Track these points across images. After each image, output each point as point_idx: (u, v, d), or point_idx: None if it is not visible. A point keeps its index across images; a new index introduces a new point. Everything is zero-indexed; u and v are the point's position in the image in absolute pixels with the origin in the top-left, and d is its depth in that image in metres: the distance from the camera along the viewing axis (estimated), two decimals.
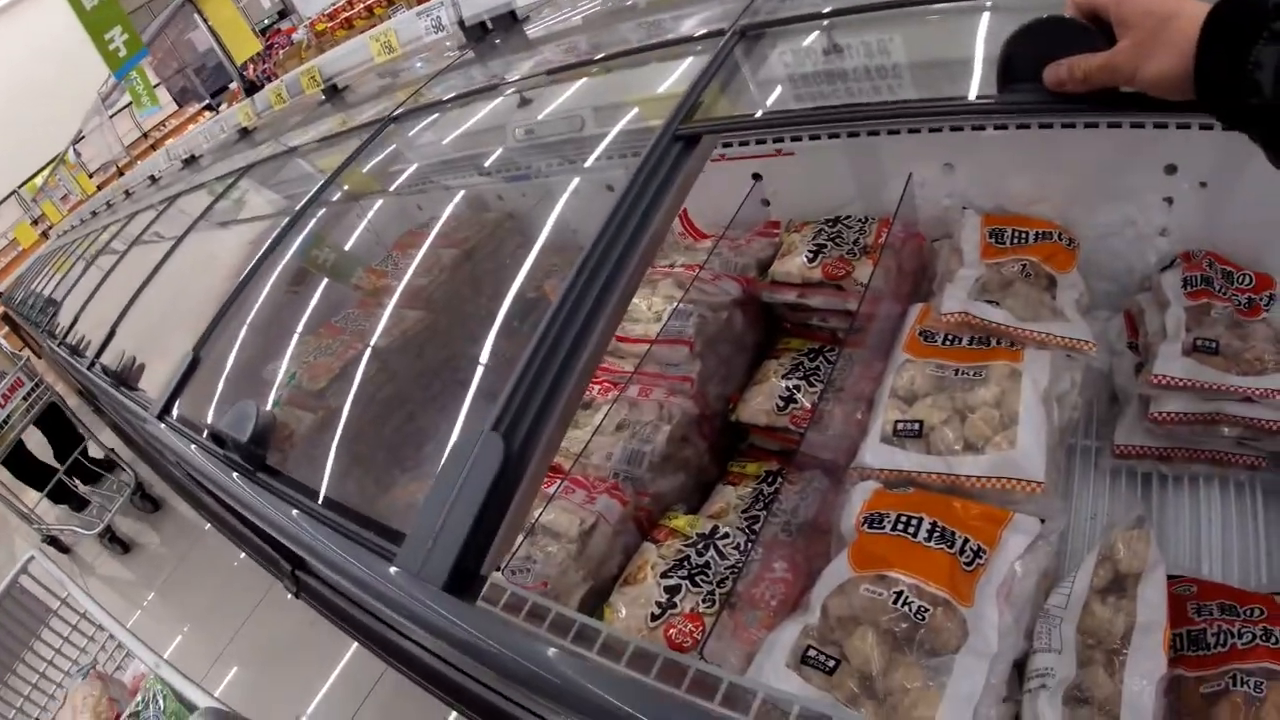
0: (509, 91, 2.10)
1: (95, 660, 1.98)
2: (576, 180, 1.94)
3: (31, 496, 4.64)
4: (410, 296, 2.11)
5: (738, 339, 1.63)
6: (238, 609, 3.15)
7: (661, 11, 2.16)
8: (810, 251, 1.59)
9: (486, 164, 2.18)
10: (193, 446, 1.42)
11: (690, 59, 1.66)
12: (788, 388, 1.50)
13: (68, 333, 3.41)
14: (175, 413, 1.62)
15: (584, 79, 2.00)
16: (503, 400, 0.93)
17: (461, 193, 2.36)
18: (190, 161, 4.54)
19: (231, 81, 11.41)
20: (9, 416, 4.18)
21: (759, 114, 1.22)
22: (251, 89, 3.60)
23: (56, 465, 4.73)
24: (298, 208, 2.18)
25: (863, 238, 1.59)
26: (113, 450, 4.58)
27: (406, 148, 2.31)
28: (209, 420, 1.51)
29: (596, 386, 1.61)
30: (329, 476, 1.23)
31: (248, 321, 1.91)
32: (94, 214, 7.01)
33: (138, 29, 3.78)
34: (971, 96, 0.90)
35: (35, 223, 12.09)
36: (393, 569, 0.88)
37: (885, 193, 1.60)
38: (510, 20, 2.41)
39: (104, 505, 4.48)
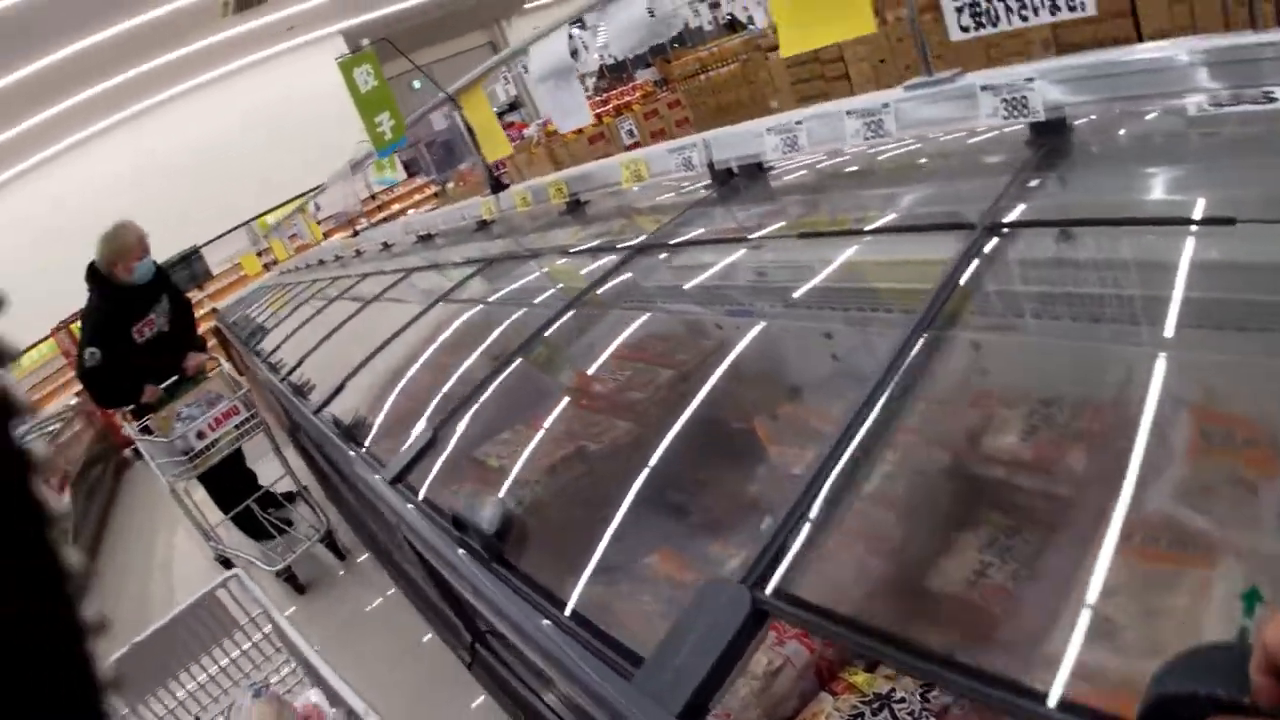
0: (747, 237, 2.24)
1: (268, 681, 2.10)
2: (796, 325, 2.03)
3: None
4: (623, 408, 2.23)
5: (939, 506, 1.66)
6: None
7: (904, 184, 2.27)
8: (1024, 430, 1.61)
9: (711, 295, 2.31)
10: (426, 521, 1.56)
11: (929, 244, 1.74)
12: (982, 562, 1.52)
13: (291, 371, 3.70)
14: (408, 482, 1.78)
15: (821, 237, 2.12)
16: (755, 557, 1.02)
17: (683, 318, 2.49)
18: (426, 239, 4.94)
19: (462, 163, 12.38)
20: (217, 440, 4.38)
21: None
22: (497, 185, 3.90)
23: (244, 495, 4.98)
24: (538, 313, 2.36)
25: (1075, 422, 1.60)
26: (305, 488, 4.80)
27: (638, 267, 2.47)
28: (440, 499, 1.66)
29: None
30: (552, 576, 1.33)
31: (477, 409, 2.06)
32: (321, 262, 7.64)
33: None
34: None
35: (260, 254, 13.24)
36: (630, 690, 0.96)
37: (1106, 376, 1.62)
38: (756, 170, 2.57)
39: (289, 545, 4.62)
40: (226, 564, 4.82)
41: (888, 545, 1.52)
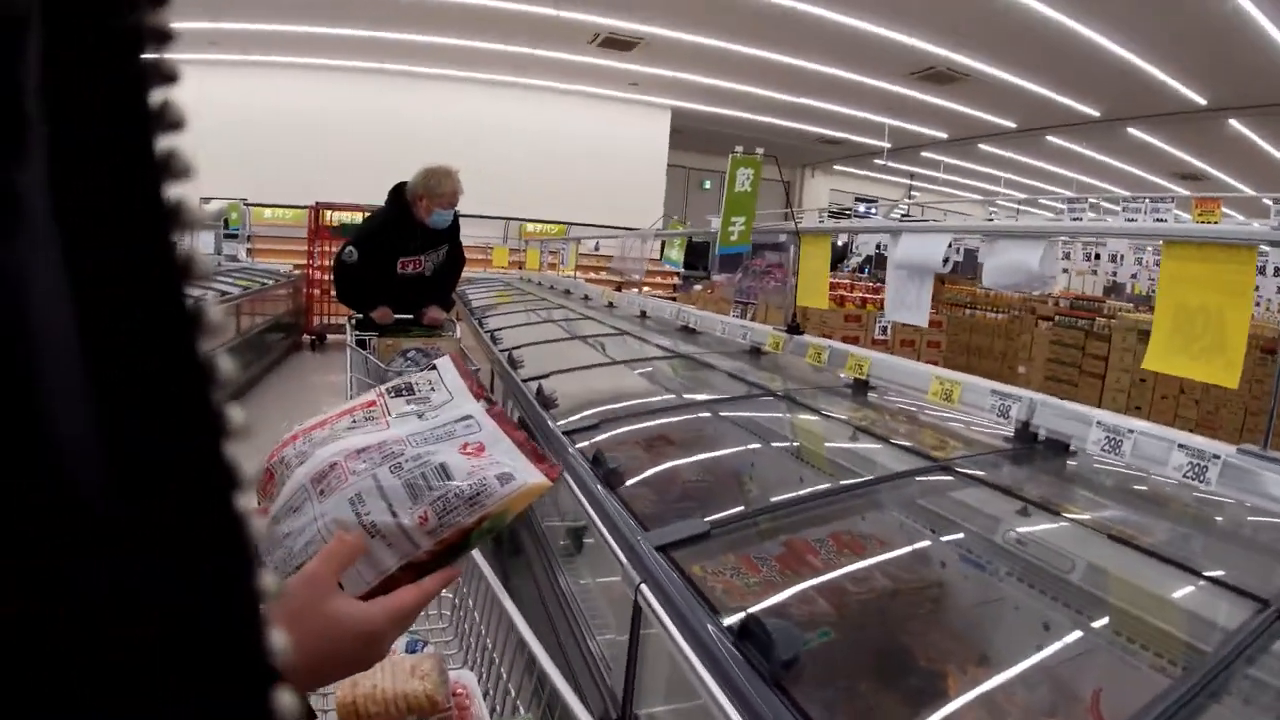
0: (1025, 500, 2.28)
1: (426, 641, 2.16)
2: (1022, 599, 2.04)
3: None
4: (831, 592, 2.27)
5: None
6: None
7: (1195, 528, 2.28)
8: None
9: (956, 532, 2.35)
10: (692, 604, 1.65)
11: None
12: None
13: (534, 379, 3.83)
14: (673, 558, 1.88)
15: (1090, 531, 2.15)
16: None
17: (915, 537, 2.52)
18: (688, 331, 5.17)
19: (710, 274, 12.95)
20: None
21: None
22: (794, 328, 4.05)
23: None
24: (797, 467, 2.44)
25: None
26: None
27: (914, 480, 2.53)
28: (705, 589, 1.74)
29: None
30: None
31: (729, 524, 2.15)
32: (567, 292, 8.06)
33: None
34: None
35: (511, 252, 14.09)
36: None
37: None
38: (1063, 448, 2.61)
39: None
40: None
41: None
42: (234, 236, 14.30)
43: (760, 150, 3.94)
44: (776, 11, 10.71)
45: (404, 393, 1.13)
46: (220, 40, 13.55)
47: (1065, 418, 2.57)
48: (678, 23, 11.83)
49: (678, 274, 14.04)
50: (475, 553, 1.95)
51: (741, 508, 2.25)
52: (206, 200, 14.37)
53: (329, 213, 12.68)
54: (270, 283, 10.49)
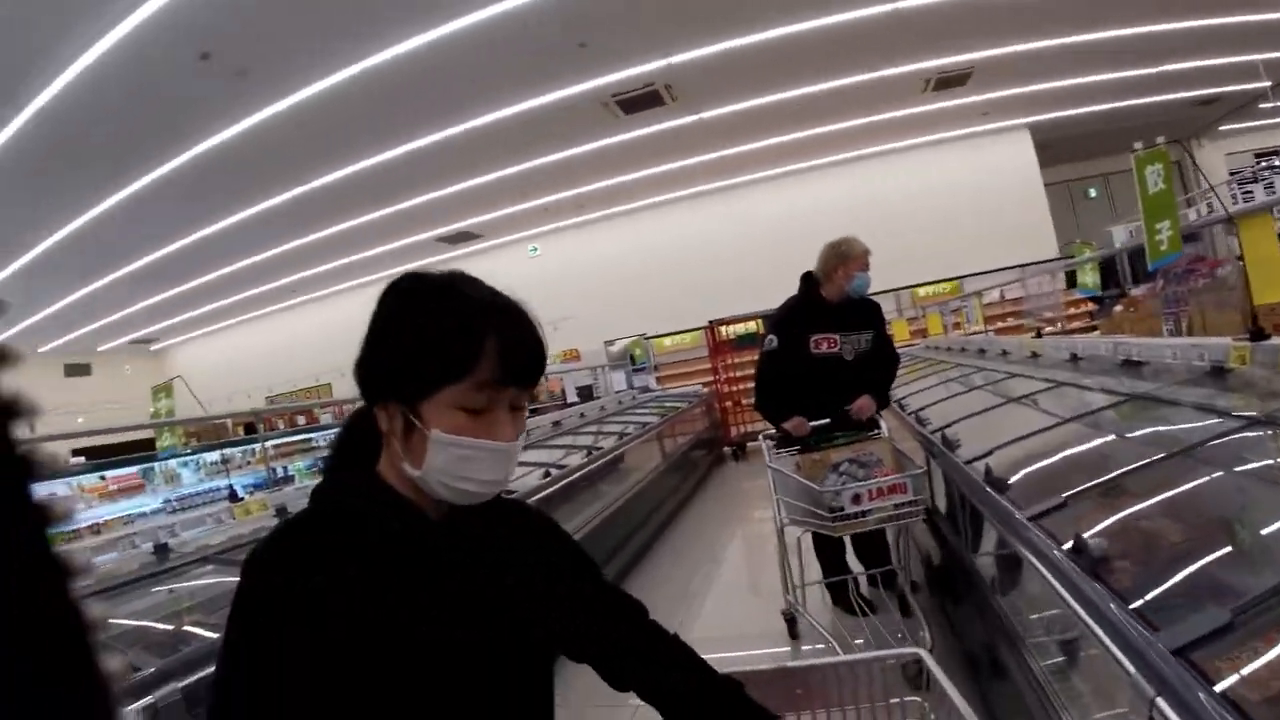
0: None
1: None
2: None
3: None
4: None
5: None
6: None
7: None
8: None
9: None
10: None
11: None
12: None
13: (981, 459, 3.44)
14: (1193, 659, 1.60)
15: None
16: None
17: None
18: (1130, 365, 4.54)
19: (1126, 290, 11.45)
20: (868, 512, 4.00)
21: None
22: (1258, 333, 3.40)
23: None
24: None
25: None
26: (914, 584, 4.68)
27: None
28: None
29: None
30: None
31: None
32: (982, 351, 7.51)
33: None
34: None
35: (909, 322, 13.82)
36: None
37: None
38: None
39: (873, 639, 4.26)
40: (790, 622, 4.81)
41: None
42: (641, 370, 16.13)
43: (1161, 139, 3.48)
44: None
45: None
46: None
47: None
48: (1002, 38, 11.28)
49: (1092, 300, 12.74)
50: (945, 684, 1.68)
51: (1255, 578, 1.89)
52: (610, 342, 17.15)
53: (724, 328, 13.85)
54: (684, 405, 11.36)
